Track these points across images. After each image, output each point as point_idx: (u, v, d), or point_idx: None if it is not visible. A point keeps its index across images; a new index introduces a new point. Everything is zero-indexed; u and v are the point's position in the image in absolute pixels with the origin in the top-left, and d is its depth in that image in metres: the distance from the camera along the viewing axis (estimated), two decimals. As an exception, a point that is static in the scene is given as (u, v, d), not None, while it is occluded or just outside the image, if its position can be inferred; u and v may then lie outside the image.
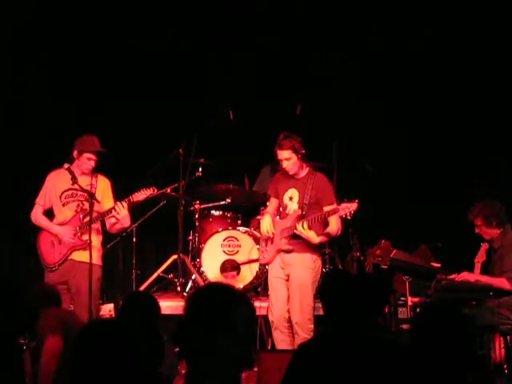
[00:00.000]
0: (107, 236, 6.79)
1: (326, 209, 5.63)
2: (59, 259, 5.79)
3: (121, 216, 5.78)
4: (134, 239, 7.15)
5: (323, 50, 7.67)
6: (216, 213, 7.36)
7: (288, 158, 5.72)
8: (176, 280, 7.01)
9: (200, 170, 7.18)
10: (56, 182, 5.93)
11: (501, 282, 5.50)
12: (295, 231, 5.62)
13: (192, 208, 7.31)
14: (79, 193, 5.84)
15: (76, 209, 5.87)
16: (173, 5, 7.60)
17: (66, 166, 5.76)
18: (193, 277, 7.07)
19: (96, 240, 5.83)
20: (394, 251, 6.00)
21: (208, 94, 7.56)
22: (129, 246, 7.15)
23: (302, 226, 5.58)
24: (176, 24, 7.62)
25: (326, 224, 5.75)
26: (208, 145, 7.27)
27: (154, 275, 7.14)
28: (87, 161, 5.82)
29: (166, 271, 7.16)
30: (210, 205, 7.38)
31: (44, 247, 5.87)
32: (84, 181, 5.81)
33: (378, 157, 7.33)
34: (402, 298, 6.08)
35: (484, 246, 5.87)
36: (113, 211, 5.76)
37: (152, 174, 7.05)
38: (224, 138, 7.80)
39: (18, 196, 6.86)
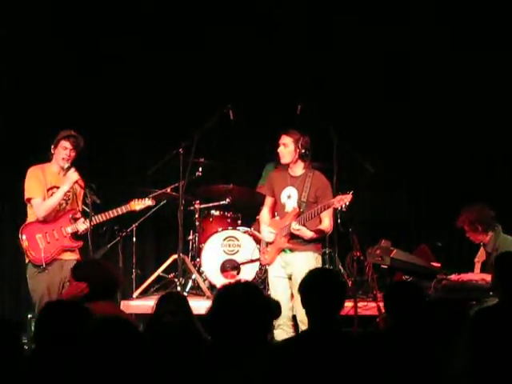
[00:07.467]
0: (107, 236, 6.81)
1: (320, 204, 5.61)
2: (49, 258, 5.64)
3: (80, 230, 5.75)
4: (134, 239, 7.14)
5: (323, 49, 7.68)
6: (216, 213, 7.35)
7: (285, 144, 5.70)
8: (176, 280, 7.00)
9: (200, 169, 7.18)
10: (45, 177, 5.75)
11: None
12: (291, 229, 5.61)
13: (192, 208, 7.31)
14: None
15: (58, 208, 5.78)
16: (173, 4, 7.61)
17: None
18: (193, 277, 7.07)
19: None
20: (394, 251, 6.00)
21: (208, 93, 7.56)
22: (129, 246, 7.15)
23: (296, 224, 5.58)
24: (176, 23, 7.62)
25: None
26: (208, 145, 7.27)
27: (154, 275, 7.13)
28: (63, 150, 5.68)
29: (166, 271, 7.16)
30: (210, 205, 7.37)
31: (31, 243, 5.66)
32: (62, 179, 5.72)
33: (378, 157, 7.33)
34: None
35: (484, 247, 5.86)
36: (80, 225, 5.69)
37: (152, 174, 7.05)
38: (224, 138, 7.81)
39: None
